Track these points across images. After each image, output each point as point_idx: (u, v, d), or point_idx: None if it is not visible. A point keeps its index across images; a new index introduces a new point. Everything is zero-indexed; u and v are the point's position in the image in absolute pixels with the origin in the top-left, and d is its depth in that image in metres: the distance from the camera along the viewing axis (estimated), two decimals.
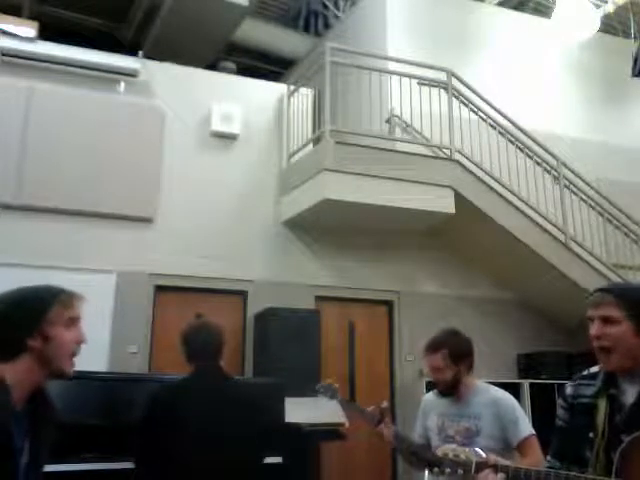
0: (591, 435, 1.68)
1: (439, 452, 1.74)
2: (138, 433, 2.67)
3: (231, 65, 7.77)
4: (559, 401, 1.88)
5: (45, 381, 1.59)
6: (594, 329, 1.72)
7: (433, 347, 2.74)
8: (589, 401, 1.76)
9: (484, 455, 1.74)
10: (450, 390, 2.72)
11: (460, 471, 1.70)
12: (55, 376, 1.58)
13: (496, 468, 1.68)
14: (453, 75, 5.93)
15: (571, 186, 6.24)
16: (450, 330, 2.82)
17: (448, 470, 1.72)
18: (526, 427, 2.61)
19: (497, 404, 2.65)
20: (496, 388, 2.78)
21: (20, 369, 1.51)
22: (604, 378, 1.75)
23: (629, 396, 1.68)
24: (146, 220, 5.52)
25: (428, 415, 2.88)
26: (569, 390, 1.86)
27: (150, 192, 5.57)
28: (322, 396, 3.05)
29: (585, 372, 1.86)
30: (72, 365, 1.59)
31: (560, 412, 1.86)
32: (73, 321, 1.59)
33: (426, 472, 2.78)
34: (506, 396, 2.71)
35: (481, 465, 1.70)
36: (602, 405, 1.71)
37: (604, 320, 1.70)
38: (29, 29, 5.67)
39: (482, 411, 2.65)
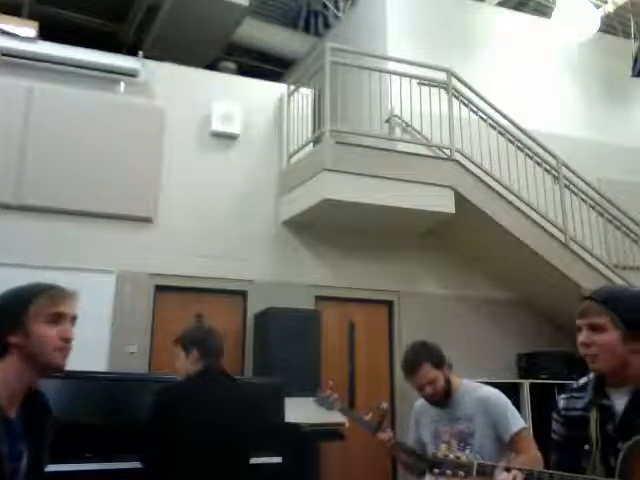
0: (586, 447, 1.68)
1: (439, 453, 1.73)
2: (146, 430, 2.67)
3: (231, 65, 7.77)
4: (553, 415, 1.88)
5: (37, 380, 1.57)
6: (582, 337, 1.71)
7: (414, 366, 2.69)
8: (581, 413, 1.76)
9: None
10: (445, 397, 2.70)
11: (461, 473, 1.69)
12: (46, 371, 1.56)
13: (508, 470, 1.66)
14: (453, 75, 5.93)
15: (571, 186, 6.24)
16: (417, 344, 2.79)
17: (449, 472, 1.71)
18: (517, 421, 2.61)
19: (486, 402, 2.64)
20: (483, 386, 2.77)
21: (6, 369, 1.50)
22: (594, 389, 1.75)
23: (619, 404, 1.68)
24: (146, 220, 5.52)
25: (420, 423, 2.87)
26: (561, 404, 1.86)
27: (150, 192, 5.57)
28: (320, 407, 3.03)
29: (574, 384, 1.86)
30: (62, 358, 1.56)
31: (555, 426, 1.87)
32: (60, 317, 1.56)
33: (427, 476, 2.77)
34: (494, 393, 2.70)
35: (483, 467, 1.69)
36: (593, 416, 1.71)
37: (592, 328, 1.70)
38: (29, 29, 5.66)
39: (473, 411, 2.65)
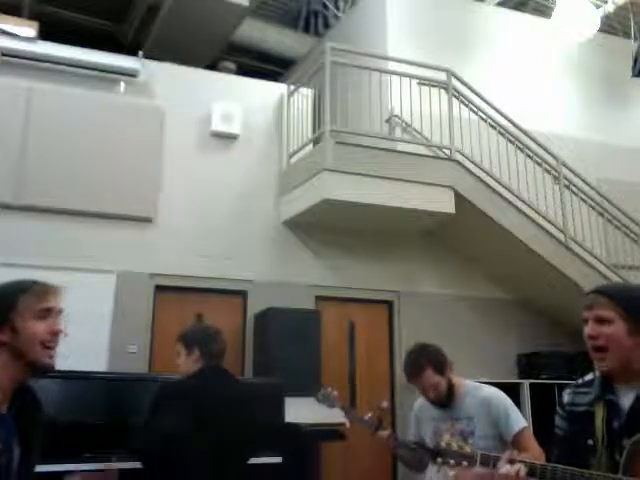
0: (590, 442, 1.68)
1: (443, 443, 1.73)
2: (145, 429, 2.68)
3: (231, 65, 7.77)
4: (557, 410, 1.88)
5: (26, 377, 1.57)
6: (589, 329, 1.73)
7: (416, 370, 2.70)
8: (586, 408, 1.76)
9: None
10: (448, 399, 2.71)
11: (464, 463, 1.69)
12: (35, 369, 1.56)
13: (511, 461, 1.66)
14: (453, 75, 5.93)
15: (571, 186, 6.24)
16: (418, 348, 2.79)
17: (452, 461, 1.70)
18: (518, 420, 2.62)
19: (488, 403, 2.65)
20: (484, 386, 2.78)
21: None
22: (600, 384, 1.75)
23: (626, 401, 1.68)
24: (146, 220, 5.52)
25: (421, 422, 2.88)
26: (566, 399, 1.86)
27: (150, 192, 5.57)
28: (321, 405, 3.05)
29: (580, 380, 1.87)
30: (50, 355, 1.56)
31: (559, 421, 1.86)
32: (48, 312, 1.58)
33: (428, 468, 2.78)
34: (496, 393, 2.71)
35: (486, 458, 1.69)
36: (599, 411, 1.71)
37: (598, 320, 1.71)
38: (29, 29, 5.67)
39: (474, 411, 2.66)
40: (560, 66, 7.60)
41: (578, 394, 1.83)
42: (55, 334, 1.58)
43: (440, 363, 2.70)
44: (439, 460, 1.71)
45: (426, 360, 2.69)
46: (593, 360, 1.74)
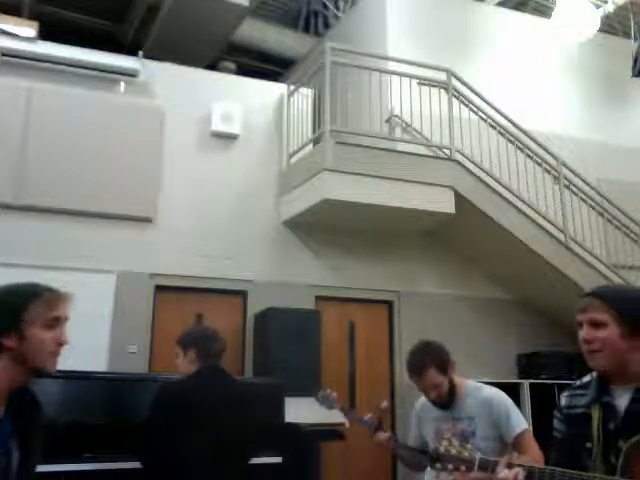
0: (588, 445, 1.68)
1: (442, 448, 1.73)
2: (145, 429, 2.68)
3: (231, 65, 7.77)
4: (555, 413, 1.88)
5: (26, 381, 1.57)
6: (583, 333, 1.72)
7: (418, 369, 2.67)
8: (583, 411, 1.76)
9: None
10: (449, 399, 2.70)
11: (463, 467, 1.69)
12: (37, 375, 1.56)
13: (510, 466, 1.66)
14: (453, 75, 5.93)
15: (571, 186, 6.24)
16: (422, 345, 2.76)
17: (450, 466, 1.70)
18: (520, 422, 2.61)
19: (490, 404, 2.65)
20: (485, 386, 2.77)
21: None
22: (596, 386, 1.75)
23: (622, 402, 1.68)
24: (146, 220, 5.52)
25: (423, 421, 2.87)
26: (564, 401, 1.86)
27: (150, 192, 5.57)
28: (320, 406, 3.05)
29: (577, 382, 1.87)
30: (54, 363, 1.56)
31: (556, 424, 1.86)
32: (56, 321, 1.57)
33: (427, 469, 2.78)
34: (497, 394, 2.70)
35: (485, 463, 1.69)
36: (596, 413, 1.71)
37: (592, 324, 1.71)
38: (29, 29, 5.67)
39: (475, 412, 2.65)
40: (560, 66, 7.60)
41: (575, 396, 1.83)
42: (61, 345, 1.57)
43: (444, 362, 2.68)
44: (437, 465, 1.71)
45: (430, 359, 2.66)
46: (588, 363, 1.74)
